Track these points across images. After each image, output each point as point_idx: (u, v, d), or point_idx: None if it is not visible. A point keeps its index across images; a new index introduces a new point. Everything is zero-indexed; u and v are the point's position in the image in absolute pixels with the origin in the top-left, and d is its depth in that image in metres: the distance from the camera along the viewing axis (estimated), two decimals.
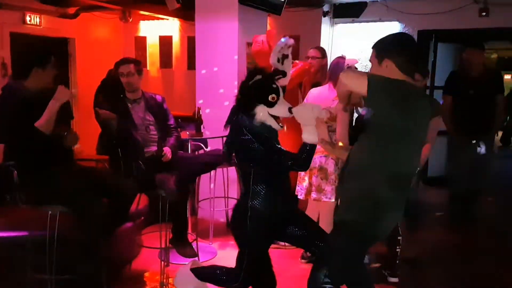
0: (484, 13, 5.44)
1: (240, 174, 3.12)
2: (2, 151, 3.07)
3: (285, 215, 2.44)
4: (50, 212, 2.62)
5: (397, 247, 3.25)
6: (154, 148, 3.15)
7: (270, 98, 2.33)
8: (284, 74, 2.41)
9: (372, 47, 2.06)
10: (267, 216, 2.35)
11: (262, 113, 2.34)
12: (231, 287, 2.49)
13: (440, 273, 3.58)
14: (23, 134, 2.54)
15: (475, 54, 4.18)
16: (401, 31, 5.91)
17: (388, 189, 1.96)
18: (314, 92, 3.51)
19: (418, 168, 2.54)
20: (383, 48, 2.00)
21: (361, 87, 1.90)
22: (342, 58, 3.46)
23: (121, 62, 3.31)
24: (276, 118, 2.35)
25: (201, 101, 4.55)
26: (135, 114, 3.20)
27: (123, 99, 3.24)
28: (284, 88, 2.40)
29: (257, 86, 2.35)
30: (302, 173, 3.50)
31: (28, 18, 6.11)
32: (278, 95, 2.35)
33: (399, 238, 3.22)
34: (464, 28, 5.59)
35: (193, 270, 2.66)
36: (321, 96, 3.38)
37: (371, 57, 2.05)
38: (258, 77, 2.37)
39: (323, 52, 4.23)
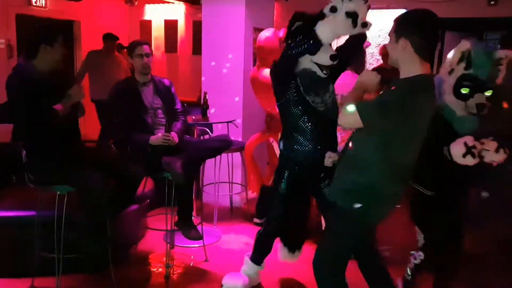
0: (492, 2, 5.39)
1: None
2: (10, 130, 3.10)
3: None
4: (58, 192, 2.65)
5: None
6: (161, 132, 3.15)
7: None
8: (334, 9, 2.24)
9: (394, 20, 1.96)
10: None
11: (305, 60, 2.28)
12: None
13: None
14: (33, 115, 2.54)
15: None
16: None
17: (390, 184, 1.98)
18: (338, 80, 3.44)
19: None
20: (401, 25, 1.90)
21: (356, 123, 1.92)
22: None
23: (138, 44, 3.21)
24: (320, 65, 2.28)
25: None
26: (145, 97, 3.18)
27: (133, 81, 3.23)
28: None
29: (298, 32, 2.28)
30: None
31: (34, 0, 6.08)
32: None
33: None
34: (473, 17, 5.54)
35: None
36: (346, 83, 3.29)
37: (390, 31, 1.97)
38: (298, 23, 2.29)
39: None
